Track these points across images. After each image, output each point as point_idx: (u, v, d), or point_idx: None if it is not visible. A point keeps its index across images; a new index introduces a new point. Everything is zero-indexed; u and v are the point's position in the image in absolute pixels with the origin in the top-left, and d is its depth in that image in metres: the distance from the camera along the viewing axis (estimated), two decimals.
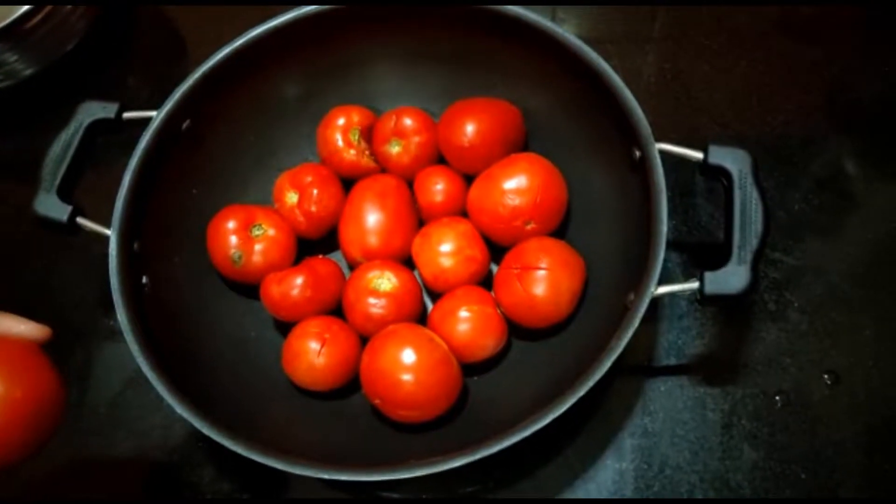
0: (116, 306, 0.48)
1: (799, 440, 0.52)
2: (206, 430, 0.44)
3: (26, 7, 0.61)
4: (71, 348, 0.60)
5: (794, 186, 0.61)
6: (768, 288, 0.57)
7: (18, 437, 0.34)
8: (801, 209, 0.60)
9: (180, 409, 0.45)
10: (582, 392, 0.43)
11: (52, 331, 0.39)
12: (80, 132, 0.52)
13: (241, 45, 0.55)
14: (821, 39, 0.68)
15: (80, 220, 0.51)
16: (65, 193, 0.51)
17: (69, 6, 0.66)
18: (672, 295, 0.46)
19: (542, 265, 0.51)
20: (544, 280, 0.50)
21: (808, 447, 0.52)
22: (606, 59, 0.50)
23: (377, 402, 0.50)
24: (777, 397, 0.54)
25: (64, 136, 0.52)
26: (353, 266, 0.57)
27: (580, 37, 0.51)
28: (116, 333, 0.60)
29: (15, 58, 0.65)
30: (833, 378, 0.54)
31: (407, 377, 0.48)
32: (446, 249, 0.54)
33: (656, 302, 0.44)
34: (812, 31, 0.68)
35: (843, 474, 0.51)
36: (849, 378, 0.54)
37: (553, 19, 0.71)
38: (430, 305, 0.57)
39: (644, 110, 0.49)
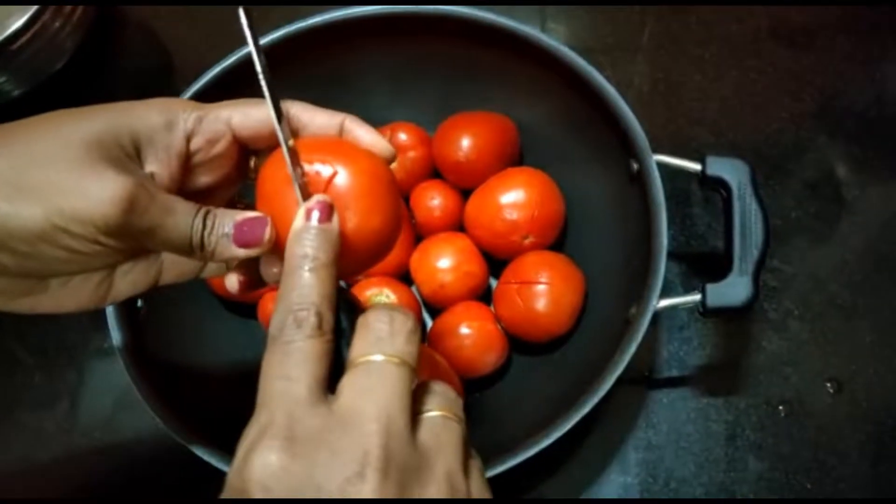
0: (112, 330, 0.47)
1: (803, 450, 0.52)
2: (203, 454, 0.43)
3: (14, 27, 0.60)
4: (64, 370, 0.59)
5: (789, 193, 0.61)
6: (768, 296, 0.57)
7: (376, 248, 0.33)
8: (796, 216, 0.60)
9: (176, 436, 0.44)
10: (587, 409, 0.42)
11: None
12: None
13: (231, 63, 0.53)
14: (812, 46, 0.68)
15: None
16: None
17: (58, 24, 0.65)
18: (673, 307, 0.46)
19: (542, 279, 0.50)
20: (544, 294, 0.50)
21: (813, 457, 0.52)
22: (598, 69, 0.50)
23: None
24: (780, 407, 0.54)
25: None
26: (350, 283, 0.56)
27: (571, 47, 0.51)
28: (109, 354, 0.60)
29: (3, 78, 0.64)
30: (835, 386, 0.54)
31: None
32: (445, 265, 0.53)
33: (657, 313, 0.44)
34: (803, 38, 0.68)
35: (848, 484, 0.51)
36: (851, 386, 0.54)
37: (543, 29, 0.71)
38: (428, 321, 0.57)
39: (639, 121, 0.48)
